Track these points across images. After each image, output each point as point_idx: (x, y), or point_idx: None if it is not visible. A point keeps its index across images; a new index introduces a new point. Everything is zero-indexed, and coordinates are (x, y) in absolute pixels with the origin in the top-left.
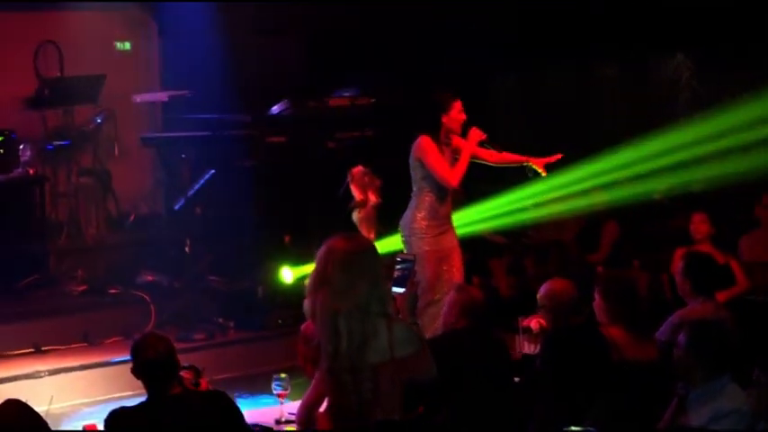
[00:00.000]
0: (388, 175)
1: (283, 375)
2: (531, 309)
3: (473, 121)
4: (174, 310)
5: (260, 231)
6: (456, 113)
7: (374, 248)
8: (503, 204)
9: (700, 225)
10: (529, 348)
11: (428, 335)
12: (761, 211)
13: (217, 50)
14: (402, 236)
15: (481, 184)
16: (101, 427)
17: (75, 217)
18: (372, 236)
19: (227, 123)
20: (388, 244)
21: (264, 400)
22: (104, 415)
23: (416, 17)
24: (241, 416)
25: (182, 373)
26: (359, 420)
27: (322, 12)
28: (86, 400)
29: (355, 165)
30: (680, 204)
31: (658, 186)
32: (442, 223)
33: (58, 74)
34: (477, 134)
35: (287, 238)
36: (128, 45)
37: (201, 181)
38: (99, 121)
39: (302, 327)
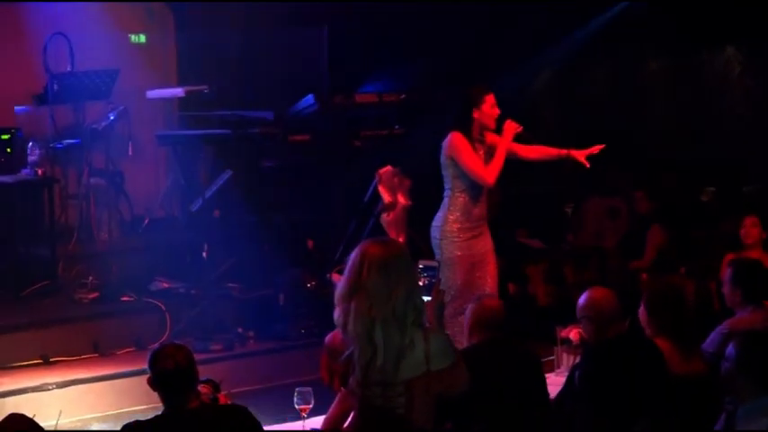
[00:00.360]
0: (418, 176)
1: (306, 388)
2: (570, 319)
3: (508, 117)
4: (190, 318)
5: (282, 235)
6: (488, 108)
7: (408, 253)
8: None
9: (751, 229)
10: (568, 361)
11: (458, 345)
12: None
13: (236, 43)
14: (433, 239)
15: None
16: None
17: (85, 220)
18: (402, 239)
19: (248, 121)
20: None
21: (287, 415)
22: (115, 430)
23: (448, 7)
24: (262, 431)
25: (199, 388)
26: None
27: (348, 1)
28: (97, 415)
29: (383, 165)
30: (730, 206)
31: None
32: (476, 225)
33: (69, 68)
34: (512, 127)
35: (310, 243)
36: (143, 38)
37: (220, 182)
38: (112, 118)
39: (327, 338)
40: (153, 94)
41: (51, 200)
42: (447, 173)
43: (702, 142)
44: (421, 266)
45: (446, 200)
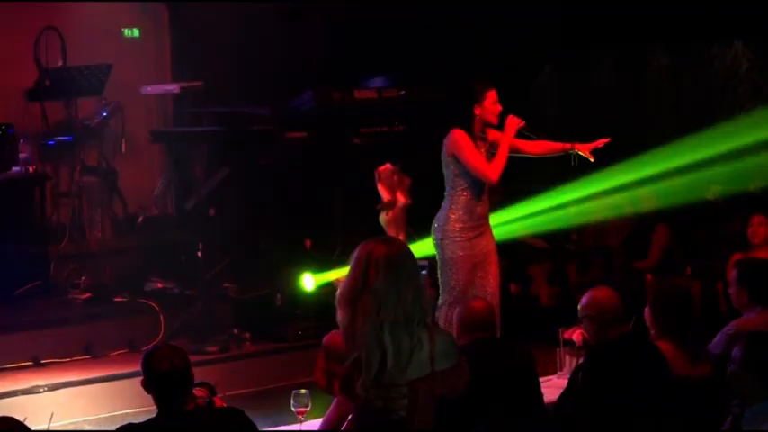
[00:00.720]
0: (418, 174)
1: (303, 391)
2: (573, 320)
3: (512, 113)
4: (185, 319)
5: (279, 235)
6: (490, 104)
7: (413, 253)
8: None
9: (759, 228)
10: (571, 362)
11: None
12: None
13: (233, 38)
14: (434, 239)
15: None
16: None
17: (78, 219)
18: (402, 239)
19: (244, 117)
20: (419, 248)
21: (283, 418)
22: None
23: (448, 1)
24: None
25: (194, 391)
26: None
27: None
28: (89, 418)
29: (383, 163)
30: (736, 206)
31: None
32: (479, 225)
33: (61, 63)
34: (514, 122)
35: (308, 243)
36: (136, 32)
37: (216, 180)
38: (105, 114)
39: (325, 339)
40: (147, 89)
41: (43, 198)
42: (448, 171)
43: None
44: None
45: (447, 199)
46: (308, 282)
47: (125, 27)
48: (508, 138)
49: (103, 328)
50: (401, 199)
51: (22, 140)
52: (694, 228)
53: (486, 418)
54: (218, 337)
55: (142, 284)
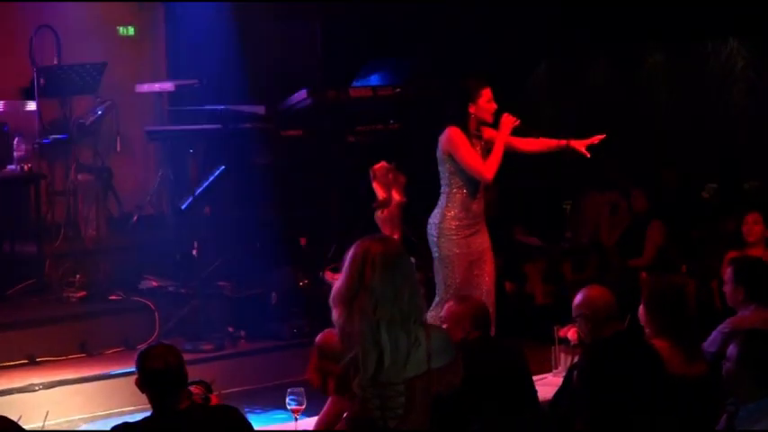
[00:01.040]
0: (413, 172)
1: (298, 389)
2: (568, 318)
3: (507, 111)
4: (180, 318)
5: (274, 233)
6: (485, 102)
7: (407, 251)
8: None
9: (753, 226)
10: (566, 361)
11: None
12: None
13: (228, 36)
14: (429, 237)
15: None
16: None
17: (73, 217)
18: (397, 237)
19: (239, 115)
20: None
21: (278, 416)
22: (104, 431)
23: None
24: None
25: (191, 388)
26: None
27: None
28: (84, 416)
29: (378, 160)
30: (731, 204)
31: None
32: (474, 222)
33: (55, 62)
34: (509, 120)
35: (303, 241)
36: (131, 30)
37: (211, 178)
38: (99, 113)
39: (318, 339)
40: (142, 88)
41: (38, 196)
42: (444, 169)
43: (705, 137)
44: None
45: (443, 197)
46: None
47: (120, 25)
48: (503, 136)
49: (98, 326)
50: (396, 197)
51: (16, 139)
52: (689, 226)
53: (480, 417)
54: (214, 335)
55: (137, 283)
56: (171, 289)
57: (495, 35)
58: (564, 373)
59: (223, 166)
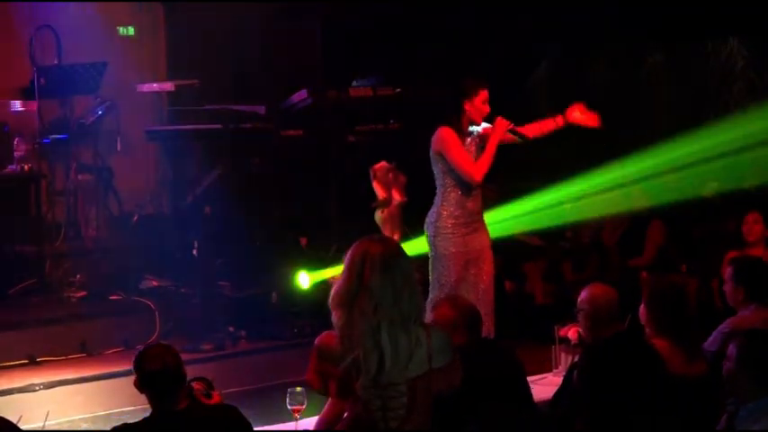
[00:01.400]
0: (413, 172)
1: (299, 389)
2: (568, 317)
3: (507, 112)
4: (180, 317)
5: (274, 233)
6: (480, 103)
7: (406, 251)
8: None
9: (754, 226)
10: (566, 360)
11: None
12: None
13: (228, 36)
14: (427, 236)
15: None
16: None
17: (73, 217)
18: (397, 237)
19: (239, 115)
20: (415, 246)
21: (279, 416)
22: (104, 430)
23: None
24: None
25: (192, 384)
26: None
27: None
28: (85, 416)
29: (378, 160)
30: (732, 203)
31: (708, 183)
32: (471, 221)
33: (56, 62)
34: (503, 123)
35: (303, 241)
36: (131, 30)
37: (211, 178)
38: (100, 113)
39: (318, 340)
40: (142, 88)
41: (38, 196)
42: (437, 168)
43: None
44: None
45: (438, 195)
46: (304, 280)
47: (120, 25)
48: (496, 138)
49: (99, 326)
50: (396, 197)
51: (17, 138)
52: (689, 225)
53: (477, 419)
54: (214, 335)
55: (137, 283)
56: (171, 289)
57: (496, 35)
58: (564, 373)
59: (223, 166)
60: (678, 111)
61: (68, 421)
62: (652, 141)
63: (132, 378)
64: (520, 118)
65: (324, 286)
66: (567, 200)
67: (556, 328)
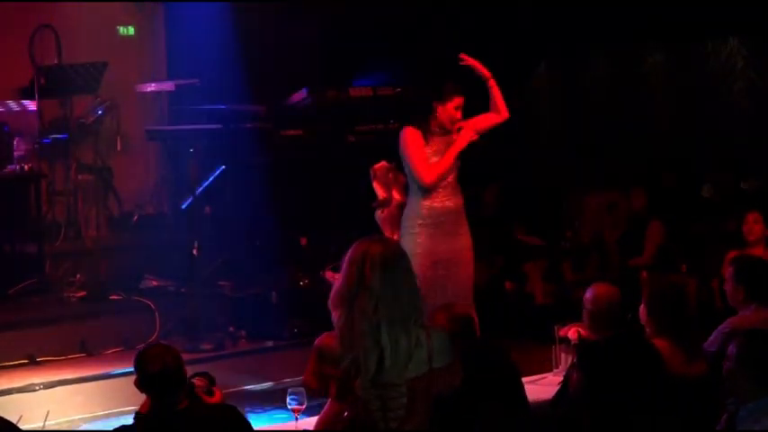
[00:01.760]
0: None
1: (299, 389)
2: (568, 317)
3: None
4: (180, 317)
5: (274, 233)
6: (452, 108)
7: (406, 251)
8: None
9: (754, 226)
10: (567, 360)
11: None
12: None
13: (228, 35)
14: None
15: None
16: None
17: (73, 217)
18: (397, 237)
19: (240, 115)
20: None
21: (279, 416)
22: (104, 430)
23: None
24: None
25: (194, 381)
26: None
27: None
28: (85, 416)
29: (378, 160)
30: (732, 203)
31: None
32: (440, 222)
33: (56, 61)
34: (468, 135)
35: (303, 241)
36: (131, 30)
37: (211, 178)
38: (100, 112)
39: (317, 342)
40: (142, 87)
41: (38, 196)
42: (406, 168)
43: (705, 136)
44: None
45: (410, 195)
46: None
47: (120, 25)
48: (457, 147)
49: (99, 326)
50: (396, 197)
51: (17, 138)
52: (689, 224)
53: (478, 419)
54: (214, 335)
55: (137, 283)
56: (171, 289)
57: (495, 35)
58: (564, 373)
59: (223, 166)
60: (678, 111)
61: (68, 421)
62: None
63: (132, 378)
64: (520, 118)
65: (324, 286)
66: None
67: (556, 328)
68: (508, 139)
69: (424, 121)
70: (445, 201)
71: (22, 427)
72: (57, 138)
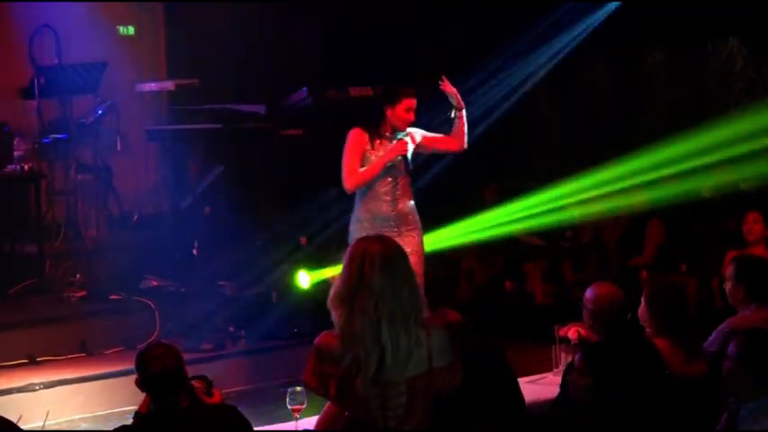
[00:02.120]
0: (413, 172)
1: (299, 388)
2: (569, 317)
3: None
4: (180, 317)
5: (274, 232)
6: (402, 111)
7: (405, 251)
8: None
9: (754, 226)
10: (566, 360)
11: None
12: None
13: (228, 35)
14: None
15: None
16: None
17: (73, 217)
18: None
19: (239, 115)
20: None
21: (278, 416)
22: (104, 430)
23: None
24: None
25: (192, 383)
26: None
27: None
28: (85, 416)
29: None
30: (732, 203)
31: (708, 183)
32: (383, 226)
33: (56, 61)
34: (399, 148)
35: (303, 241)
36: (131, 29)
37: (211, 178)
38: (100, 112)
39: (317, 341)
40: (142, 87)
41: (38, 196)
42: None
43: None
44: None
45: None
46: (304, 279)
47: (120, 25)
48: (386, 158)
49: (99, 325)
50: None
51: (17, 138)
52: (689, 224)
53: (478, 419)
54: (214, 334)
55: (137, 282)
56: (171, 288)
57: (495, 34)
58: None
59: (223, 166)
60: (678, 111)
61: (68, 421)
62: (651, 140)
63: (132, 377)
64: (520, 118)
65: (324, 285)
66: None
67: (556, 327)
68: (508, 139)
69: (373, 124)
70: (383, 206)
71: (21, 426)
72: (56, 138)
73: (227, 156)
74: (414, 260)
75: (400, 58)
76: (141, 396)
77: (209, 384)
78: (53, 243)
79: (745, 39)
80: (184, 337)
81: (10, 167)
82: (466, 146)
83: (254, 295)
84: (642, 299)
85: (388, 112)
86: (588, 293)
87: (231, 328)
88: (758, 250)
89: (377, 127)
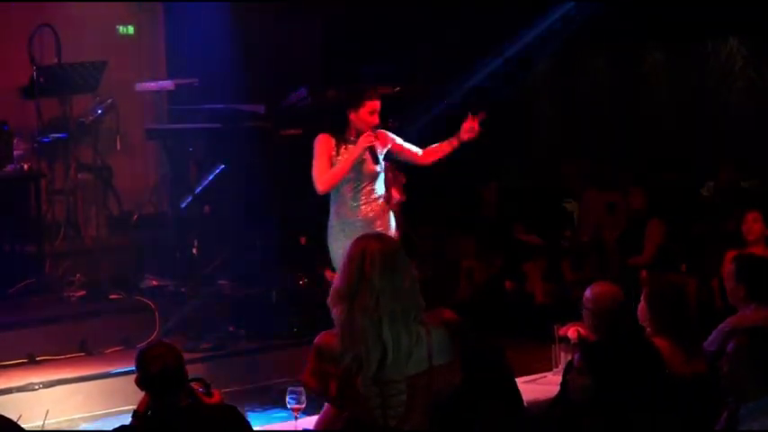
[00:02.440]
0: (413, 171)
1: (299, 389)
2: (568, 316)
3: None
4: (180, 317)
5: (274, 232)
6: (365, 113)
7: (404, 249)
8: None
9: (753, 225)
10: (566, 359)
11: None
12: None
13: (228, 35)
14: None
15: None
16: None
17: (73, 217)
18: (396, 236)
19: (239, 114)
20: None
21: (278, 415)
22: (104, 430)
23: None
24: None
25: (192, 385)
26: None
27: None
28: (84, 415)
29: None
30: (731, 202)
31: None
32: (354, 229)
33: (55, 60)
34: (366, 140)
35: (303, 240)
36: (131, 29)
37: (210, 177)
38: (99, 111)
39: (317, 340)
40: (142, 87)
41: (38, 195)
42: None
43: (704, 136)
44: None
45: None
46: (304, 279)
47: (120, 24)
48: (354, 154)
49: (98, 325)
50: (396, 196)
51: (16, 138)
52: (689, 224)
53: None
54: (214, 333)
55: (137, 282)
56: (171, 288)
57: (495, 34)
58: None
59: (223, 165)
60: (678, 111)
61: (68, 420)
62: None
63: (132, 377)
64: (519, 117)
65: (324, 285)
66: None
67: (555, 327)
68: (509, 139)
69: (339, 129)
70: (348, 211)
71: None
72: (56, 137)
73: (226, 155)
74: None
75: (401, 56)
76: (141, 395)
77: (207, 386)
78: (53, 243)
79: (745, 39)
80: (184, 337)
81: (9, 167)
82: (431, 165)
83: (254, 295)
84: (642, 298)
85: (352, 116)
86: (588, 293)
87: (231, 328)
88: (758, 250)
89: (342, 132)
